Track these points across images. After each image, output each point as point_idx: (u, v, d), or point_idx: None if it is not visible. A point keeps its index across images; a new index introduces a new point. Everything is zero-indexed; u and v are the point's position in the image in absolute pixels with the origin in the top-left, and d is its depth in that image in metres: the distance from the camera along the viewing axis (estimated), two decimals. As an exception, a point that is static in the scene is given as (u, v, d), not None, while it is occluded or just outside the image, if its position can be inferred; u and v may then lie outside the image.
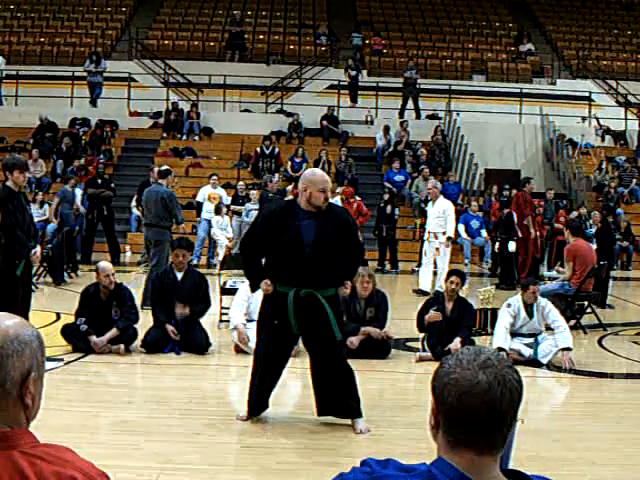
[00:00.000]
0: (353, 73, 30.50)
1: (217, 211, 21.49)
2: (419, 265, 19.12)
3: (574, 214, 22.72)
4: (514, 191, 21.92)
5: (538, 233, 18.93)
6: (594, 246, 18.12)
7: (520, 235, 18.68)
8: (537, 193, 21.42)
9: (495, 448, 2.30)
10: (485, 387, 2.25)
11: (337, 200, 21.93)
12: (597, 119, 30.48)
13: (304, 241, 7.55)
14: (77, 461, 2.32)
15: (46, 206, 21.92)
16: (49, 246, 17.48)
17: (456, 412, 2.27)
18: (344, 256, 7.73)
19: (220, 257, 20.86)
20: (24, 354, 2.31)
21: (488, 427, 2.27)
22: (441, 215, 17.10)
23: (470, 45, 34.56)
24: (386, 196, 22.99)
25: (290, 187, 21.28)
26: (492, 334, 11.47)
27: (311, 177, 7.73)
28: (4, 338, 2.29)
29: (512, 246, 19.42)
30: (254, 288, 7.99)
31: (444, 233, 17.05)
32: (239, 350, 11.11)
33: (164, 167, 18.43)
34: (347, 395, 7.80)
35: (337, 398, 7.79)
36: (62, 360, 10.15)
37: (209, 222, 21.63)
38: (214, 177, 22.46)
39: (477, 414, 2.25)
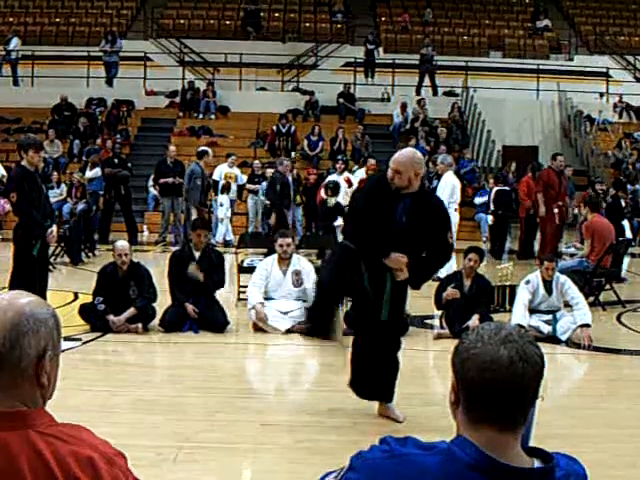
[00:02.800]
0: (371, 47, 30.41)
1: (224, 190, 21.47)
2: None
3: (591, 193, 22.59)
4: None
5: (556, 210, 18.68)
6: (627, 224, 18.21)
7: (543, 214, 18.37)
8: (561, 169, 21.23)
9: (516, 424, 2.28)
10: (506, 362, 2.23)
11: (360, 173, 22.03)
12: (620, 97, 30.26)
13: (396, 222, 7.25)
14: (93, 440, 2.31)
15: (63, 186, 21.95)
16: (66, 226, 17.51)
17: (477, 387, 2.25)
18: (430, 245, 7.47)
19: (221, 233, 20.93)
20: (40, 332, 2.30)
21: (509, 402, 2.25)
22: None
23: (487, 21, 34.35)
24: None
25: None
26: (511, 311, 11.44)
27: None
28: (20, 316, 2.28)
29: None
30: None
31: None
32: (257, 328, 11.13)
33: (201, 148, 18.76)
34: (381, 380, 7.56)
35: (369, 381, 7.55)
36: (80, 340, 10.17)
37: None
38: (232, 157, 22.41)
39: (498, 389, 2.23)
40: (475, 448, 2.24)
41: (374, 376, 7.50)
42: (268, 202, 19.61)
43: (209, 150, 18.85)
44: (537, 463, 2.28)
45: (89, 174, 21.64)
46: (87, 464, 2.22)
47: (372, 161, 23.03)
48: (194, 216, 16.97)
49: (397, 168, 7.19)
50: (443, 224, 7.55)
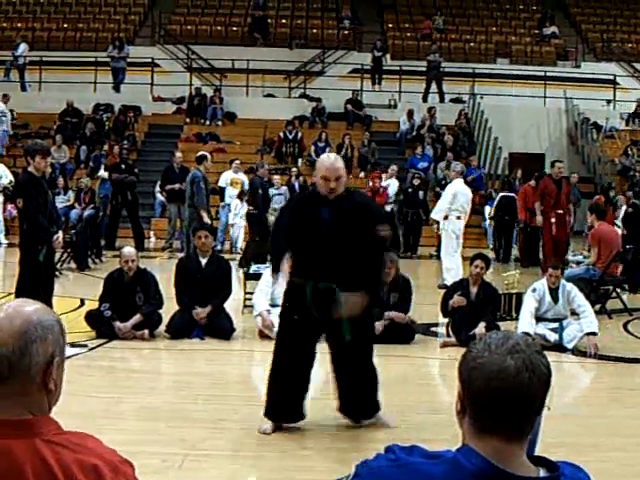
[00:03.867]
0: (378, 54, 30.43)
1: (240, 196, 21.52)
2: (437, 251, 18.97)
3: (596, 198, 22.56)
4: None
5: (553, 219, 18.16)
6: (620, 231, 18.00)
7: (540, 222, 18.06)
8: (561, 177, 21.23)
9: (522, 434, 2.28)
10: (513, 372, 2.23)
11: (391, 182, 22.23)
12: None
13: (321, 230, 7.08)
14: (99, 449, 2.32)
15: (70, 192, 22.00)
16: (73, 232, 17.53)
17: (483, 397, 2.25)
18: (367, 249, 7.11)
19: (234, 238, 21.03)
20: (47, 339, 2.32)
21: (515, 413, 2.25)
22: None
23: (494, 28, 34.36)
24: (416, 181, 22.88)
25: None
26: (517, 319, 11.43)
27: (319, 163, 7.34)
28: (28, 324, 2.30)
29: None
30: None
31: (446, 217, 16.14)
32: (263, 335, 11.11)
33: (200, 153, 18.79)
34: (363, 398, 7.42)
35: (353, 401, 7.41)
36: (86, 346, 10.17)
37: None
38: (237, 162, 22.43)
39: (504, 399, 2.23)
40: (481, 458, 2.24)
41: (359, 394, 7.39)
42: (251, 208, 19.53)
43: (208, 155, 18.79)
44: (542, 472, 2.28)
45: (102, 173, 21.80)
46: (91, 472, 2.23)
47: (394, 167, 23.20)
48: (206, 219, 16.91)
49: (339, 174, 7.08)
50: (371, 218, 7.26)
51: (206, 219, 16.99)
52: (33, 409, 2.30)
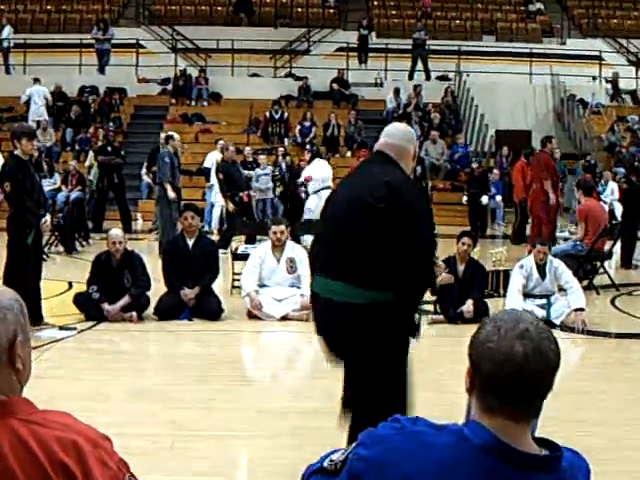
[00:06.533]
0: (364, 32, 30.31)
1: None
2: None
3: (583, 175, 22.61)
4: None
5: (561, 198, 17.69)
6: (620, 207, 17.95)
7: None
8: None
9: (529, 416, 2.34)
10: (521, 359, 2.26)
11: None
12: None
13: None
14: (77, 425, 2.31)
15: (56, 175, 21.92)
16: (60, 215, 17.48)
17: (491, 380, 2.29)
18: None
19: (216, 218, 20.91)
20: (7, 319, 2.30)
21: (522, 397, 2.29)
22: None
23: (479, 5, 34.26)
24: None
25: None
26: (504, 296, 11.47)
27: (411, 135, 5.68)
28: None
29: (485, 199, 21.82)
30: None
31: None
32: (252, 316, 11.14)
33: (168, 133, 18.76)
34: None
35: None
36: (75, 329, 10.18)
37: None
38: (221, 142, 22.36)
39: (512, 385, 2.27)
40: (488, 432, 2.28)
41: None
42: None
43: (174, 134, 18.59)
44: (545, 452, 2.33)
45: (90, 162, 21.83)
46: (72, 448, 2.23)
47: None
48: (170, 194, 16.73)
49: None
50: None
51: (170, 193, 16.77)
52: (4, 390, 2.28)
